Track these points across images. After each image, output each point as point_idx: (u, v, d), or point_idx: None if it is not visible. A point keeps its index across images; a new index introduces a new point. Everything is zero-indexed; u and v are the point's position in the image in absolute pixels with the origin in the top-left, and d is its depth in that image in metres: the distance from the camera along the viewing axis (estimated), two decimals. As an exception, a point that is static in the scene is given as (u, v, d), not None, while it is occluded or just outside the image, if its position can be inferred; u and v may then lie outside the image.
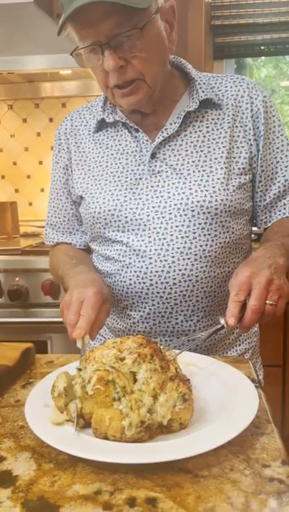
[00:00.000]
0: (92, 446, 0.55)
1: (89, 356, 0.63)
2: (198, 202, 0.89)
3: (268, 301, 0.71)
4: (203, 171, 0.91)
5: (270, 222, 1.00)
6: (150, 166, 0.93)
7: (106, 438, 0.57)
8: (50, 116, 2.55)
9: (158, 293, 0.92)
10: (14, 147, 2.59)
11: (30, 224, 2.47)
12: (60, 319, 2.06)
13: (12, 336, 1.89)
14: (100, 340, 1.07)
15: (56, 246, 1.12)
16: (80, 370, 0.63)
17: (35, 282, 1.94)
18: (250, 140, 0.94)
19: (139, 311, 0.95)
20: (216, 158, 0.92)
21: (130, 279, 0.93)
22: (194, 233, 0.90)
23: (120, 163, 0.95)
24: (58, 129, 1.08)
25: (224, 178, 0.90)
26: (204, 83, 0.95)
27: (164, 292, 0.92)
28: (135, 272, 0.92)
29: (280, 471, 0.54)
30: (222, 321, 0.74)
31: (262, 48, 2.37)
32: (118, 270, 0.95)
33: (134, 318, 0.96)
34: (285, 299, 0.73)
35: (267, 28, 2.29)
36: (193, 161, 0.91)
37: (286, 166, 0.97)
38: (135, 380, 0.60)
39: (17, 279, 1.92)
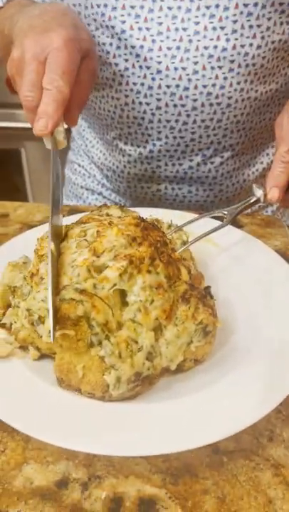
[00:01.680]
0: (53, 410, 0.34)
1: (37, 271, 0.37)
2: None
3: None
4: None
5: None
6: None
7: (78, 391, 0.36)
8: None
9: (168, 121, 0.60)
10: None
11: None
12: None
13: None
14: (82, 174, 0.79)
15: (5, 5, 0.65)
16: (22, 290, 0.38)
17: (-1, 75, 1.52)
18: None
19: (138, 147, 0.65)
20: None
21: (126, 97, 0.60)
22: (234, 22, 0.53)
23: None
24: None
25: None
26: None
27: (177, 120, 0.60)
28: (134, 84, 0.59)
29: None
30: (258, 193, 0.46)
31: None
32: (108, 80, 0.61)
33: (129, 155, 0.66)
34: None
35: None
36: None
37: None
38: (124, 304, 0.35)
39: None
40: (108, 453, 0.31)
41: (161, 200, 0.70)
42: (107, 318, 0.34)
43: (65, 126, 0.46)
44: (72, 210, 0.64)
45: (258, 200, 0.47)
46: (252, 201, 0.48)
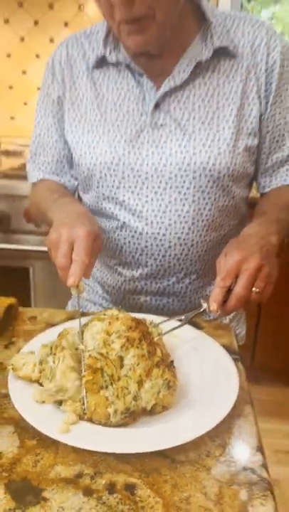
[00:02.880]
0: (75, 430, 0.56)
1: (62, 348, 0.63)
2: (201, 163, 0.83)
3: (254, 289, 0.69)
4: (210, 129, 0.83)
5: (269, 187, 0.94)
6: (153, 118, 0.85)
7: (90, 421, 0.58)
8: (36, 18, 2.29)
9: (152, 255, 0.90)
10: (-5, 53, 2.36)
11: (13, 141, 2.34)
12: (44, 248, 2.02)
13: (-7, 263, 1.88)
14: (88, 291, 1.06)
15: (39, 183, 1.03)
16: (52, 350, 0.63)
17: (18, 208, 1.88)
18: (260, 97, 0.85)
19: (132, 271, 0.93)
20: (224, 116, 0.84)
21: (124, 239, 0.90)
22: (194, 196, 0.85)
23: (121, 110, 0.87)
24: (51, 57, 0.95)
25: (231, 139, 0.84)
26: (220, 25, 0.84)
27: (158, 254, 0.89)
28: (130, 232, 0.89)
29: (254, 460, 0.57)
30: (204, 305, 0.73)
31: None
32: (112, 228, 0.91)
33: (125, 276, 0.94)
34: (272, 286, 0.71)
35: None
36: (199, 117, 0.84)
37: None
38: (121, 365, 0.60)
39: (-2, 204, 1.86)
40: (107, 450, 0.53)
41: (147, 308, 0.96)
42: (112, 372, 0.58)
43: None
44: (82, 314, 0.90)
45: (204, 311, 0.73)
46: (200, 311, 0.74)
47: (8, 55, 2.36)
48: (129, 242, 0.90)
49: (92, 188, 0.91)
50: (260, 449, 0.59)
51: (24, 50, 2.34)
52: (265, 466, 0.56)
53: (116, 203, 0.88)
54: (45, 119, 0.97)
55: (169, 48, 0.83)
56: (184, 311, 0.96)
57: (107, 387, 0.58)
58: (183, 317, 0.76)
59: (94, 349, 0.60)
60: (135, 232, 0.89)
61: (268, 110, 0.86)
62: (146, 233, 0.88)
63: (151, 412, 0.60)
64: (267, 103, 0.86)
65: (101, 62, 0.88)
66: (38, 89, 1.02)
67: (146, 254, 0.90)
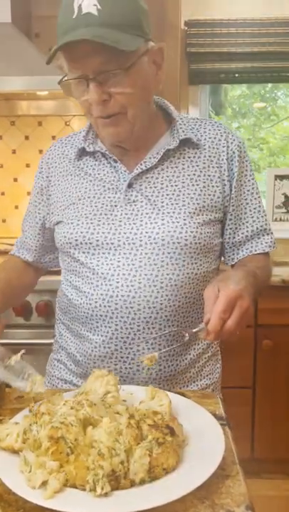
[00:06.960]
0: (59, 496, 0.55)
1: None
2: (168, 232, 0.92)
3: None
4: (176, 203, 0.94)
5: (236, 259, 1.05)
6: (126, 195, 0.96)
7: (74, 487, 0.57)
8: (26, 133, 2.54)
9: (122, 317, 0.93)
10: (-12, 164, 2.58)
11: (4, 242, 2.45)
12: (32, 341, 2.02)
13: (-18, 359, 1.86)
14: (59, 367, 1.07)
15: (8, 257, 1.16)
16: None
17: (7, 303, 1.92)
18: (224, 180, 0.99)
19: (102, 335, 0.96)
20: (188, 194, 0.96)
21: (96, 302, 0.94)
22: (162, 261, 0.93)
23: (98, 189, 0.98)
24: (41, 158, 1.13)
25: (195, 213, 0.94)
26: (184, 124, 1.00)
27: (127, 317, 0.93)
28: (101, 294, 0.94)
29: (244, 517, 0.56)
30: (201, 325, 0.80)
31: (235, 75, 2.44)
32: (85, 292, 0.96)
33: (95, 342, 0.97)
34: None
35: (240, 57, 2.36)
36: (167, 194, 0.95)
37: (254, 208, 1.04)
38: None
39: (-12, 299, 1.90)
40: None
41: (118, 376, 0.95)
42: (76, 437, 0.59)
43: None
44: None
45: (200, 332, 0.80)
46: (199, 329, 0.80)
47: (1, 166, 2.57)
48: (100, 305, 0.94)
49: (69, 255, 0.99)
50: (250, 507, 0.58)
51: (16, 160, 2.56)
52: (255, 523, 0.55)
53: (89, 268, 0.95)
54: (30, 206, 1.14)
55: (141, 143, 0.98)
56: (154, 380, 0.96)
57: (73, 452, 0.58)
58: (186, 334, 0.84)
59: (56, 419, 0.62)
60: (106, 294, 0.94)
61: (232, 191, 1.00)
62: (116, 295, 0.93)
63: (152, 478, 0.60)
64: (231, 185, 1.00)
65: (81, 154, 1.02)
66: (28, 193, 1.16)
67: (116, 317, 0.93)
